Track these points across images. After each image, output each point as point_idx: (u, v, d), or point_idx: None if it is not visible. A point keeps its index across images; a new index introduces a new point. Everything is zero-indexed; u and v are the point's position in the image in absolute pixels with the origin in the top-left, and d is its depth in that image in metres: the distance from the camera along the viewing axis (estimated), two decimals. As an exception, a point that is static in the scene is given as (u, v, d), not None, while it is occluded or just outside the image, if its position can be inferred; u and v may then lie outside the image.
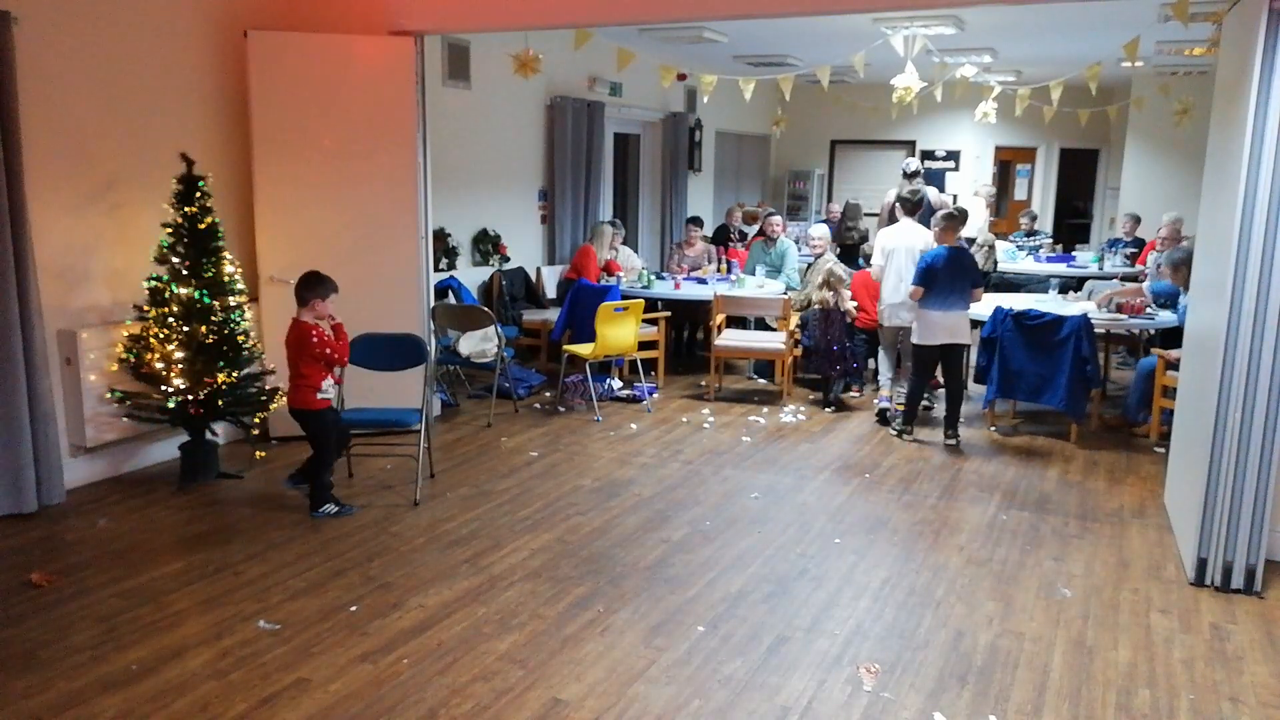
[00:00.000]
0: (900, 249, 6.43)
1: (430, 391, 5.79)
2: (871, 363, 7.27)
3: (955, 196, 11.75)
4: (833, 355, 6.81)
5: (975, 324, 6.34)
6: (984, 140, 13.24)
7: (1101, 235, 12.80)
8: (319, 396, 4.59)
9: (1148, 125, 11.48)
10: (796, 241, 8.99)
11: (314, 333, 4.54)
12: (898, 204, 6.84)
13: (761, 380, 7.81)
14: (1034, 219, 11.30)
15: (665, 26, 8.03)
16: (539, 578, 4.05)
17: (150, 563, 4.14)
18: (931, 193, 8.48)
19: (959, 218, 6.05)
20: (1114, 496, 5.18)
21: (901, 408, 6.33)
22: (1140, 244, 9.54)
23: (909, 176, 9.43)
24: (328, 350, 4.56)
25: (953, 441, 6.04)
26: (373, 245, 5.79)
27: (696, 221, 9.26)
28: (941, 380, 6.51)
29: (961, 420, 6.21)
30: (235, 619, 3.64)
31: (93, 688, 3.16)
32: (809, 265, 7.95)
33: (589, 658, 3.40)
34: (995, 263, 9.31)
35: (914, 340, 6.07)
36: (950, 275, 5.83)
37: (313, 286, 4.55)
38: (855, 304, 6.92)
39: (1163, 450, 5.70)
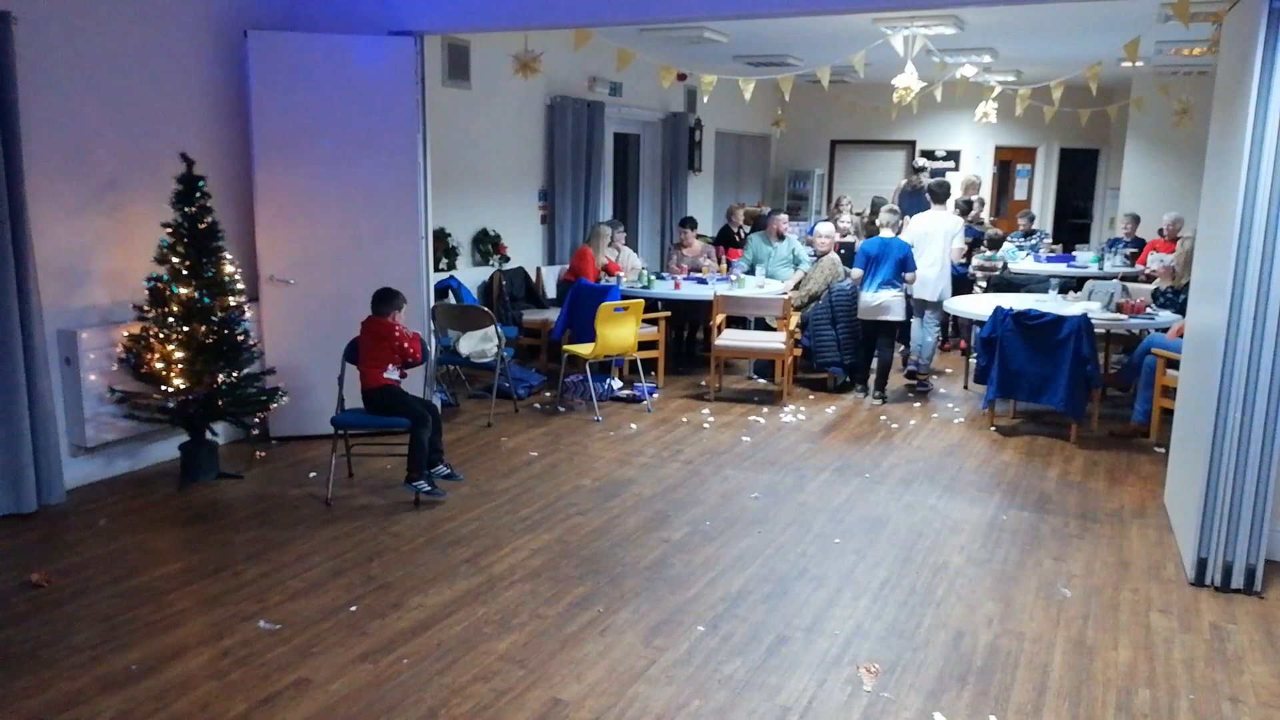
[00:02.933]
0: (928, 232, 7.41)
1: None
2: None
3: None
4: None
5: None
6: (984, 140, 13.23)
7: (1101, 235, 12.80)
8: (385, 376, 4.93)
9: (1148, 125, 11.48)
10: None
11: (396, 329, 4.95)
12: (927, 194, 7.82)
13: (761, 380, 7.81)
14: (1032, 219, 11.30)
15: (665, 26, 8.03)
16: (539, 578, 4.05)
17: (150, 563, 4.14)
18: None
19: (896, 213, 7.32)
20: (1114, 496, 5.18)
21: (925, 376, 7.46)
22: (1140, 244, 9.54)
23: (916, 172, 9.66)
24: (405, 345, 4.93)
25: (879, 401, 7.05)
26: (373, 245, 5.78)
27: (690, 223, 9.18)
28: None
29: (889, 385, 7.24)
30: (235, 619, 3.64)
31: (93, 688, 3.16)
32: (814, 264, 7.96)
33: (589, 658, 3.40)
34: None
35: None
36: (877, 261, 6.96)
37: (388, 301, 4.97)
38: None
39: (1163, 450, 5.70)
